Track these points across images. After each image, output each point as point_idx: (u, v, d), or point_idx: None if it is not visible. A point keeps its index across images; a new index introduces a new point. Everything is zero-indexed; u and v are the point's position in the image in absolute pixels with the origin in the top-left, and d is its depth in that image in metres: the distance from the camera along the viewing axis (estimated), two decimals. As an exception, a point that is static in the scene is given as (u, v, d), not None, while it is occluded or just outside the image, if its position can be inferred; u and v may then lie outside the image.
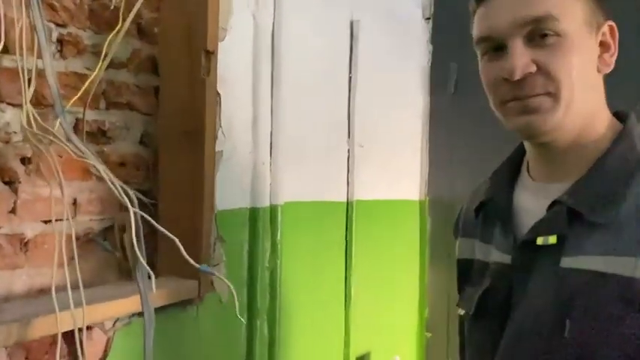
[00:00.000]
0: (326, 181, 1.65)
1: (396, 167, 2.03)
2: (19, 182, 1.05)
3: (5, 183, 1.03)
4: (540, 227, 0.73)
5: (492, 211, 0.81)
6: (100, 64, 1.05)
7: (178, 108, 1.18)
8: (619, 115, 0.77)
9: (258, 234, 1.36)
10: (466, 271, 0.87)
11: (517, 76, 0.70)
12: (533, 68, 0.70)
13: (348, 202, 1.73)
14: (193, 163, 1.16)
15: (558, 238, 0.71)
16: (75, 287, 1.05)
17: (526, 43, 0.71)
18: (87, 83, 1.04)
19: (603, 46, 0.74)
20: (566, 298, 0.69)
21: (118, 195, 0.89)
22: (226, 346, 1.32)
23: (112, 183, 0.88)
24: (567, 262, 0.70)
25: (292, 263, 1.48)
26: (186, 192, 1.18)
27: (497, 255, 0.79)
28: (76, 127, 1.12)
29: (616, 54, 0.74)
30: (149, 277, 0.85)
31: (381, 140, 1.90)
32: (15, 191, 1.04)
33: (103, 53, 1.07)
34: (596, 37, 0.73)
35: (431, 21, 2.25)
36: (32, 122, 0.92)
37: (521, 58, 0.70)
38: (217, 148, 1.24)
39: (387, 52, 1.97)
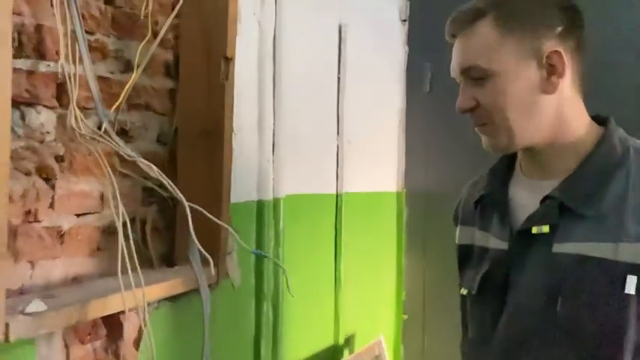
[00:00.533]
0: (319, 175, 1.78)
1: (378, 161, 2.18)
2: (56, 179, 1.13)
3: (44, 179, 1.11)
4: (535, 218, 0.86)
5: (490, 204, 0.95)
6: (135, 73, 1.14)
7: (197, 109, 1.28)
8: (598, 119, 0.90)
9: (264, 224, 1.48)
10: (466, 256, 1.00)
11: (460, 112, 0.88)
12: (473, 104, 0.87)
13: (337, 195, 1.87)
14: (212, 160, 1.27)
15: (550, 228, 0.84)
16: (107, 275, 1.16)
17: (471, 84, 0.87)
18: (125, 89, 1.13)
19: (549, 69, 0.84)
20: (557, 278, 0.82)
21: (171, 190, 0.99)
22: (238, 325, 1.44)
23: (169, 184, 0.99)
24: (557, 247, 0.83)
25: (292, 251, 1.61)
26: (205, 187, 1.28)
27: (495, 242, 0.92)
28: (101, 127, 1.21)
29: (565, 74, 0.85)
30: (205, 262, 0.96)
31: (365, 136, 2.04)
32: (52, 187, 1.12)
33: (136, 61, 1.16)
34: (538, 64, 0.84)
35: (407, 23, 2.41)
36: (79, 124, 1.01)
37: (463, 97, 0.87)
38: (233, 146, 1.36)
39: (371, 53, 2.11)
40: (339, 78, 1.87)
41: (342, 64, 1.87)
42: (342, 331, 1.90)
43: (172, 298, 1.20)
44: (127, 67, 1.26)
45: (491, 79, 0.85)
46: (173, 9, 1.31)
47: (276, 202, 1.52)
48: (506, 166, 0.96)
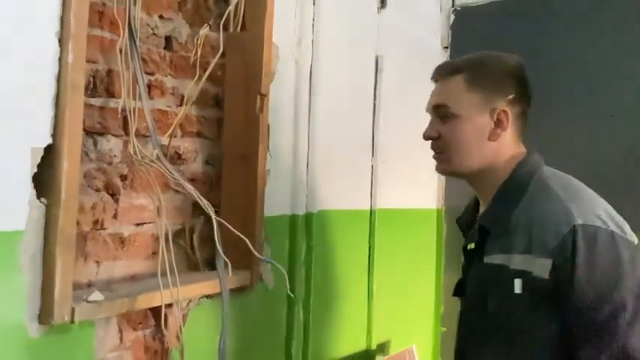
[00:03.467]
0: (353, 192, 1.96)
1: (415, 180, 2.32)
2: (119, 194, 1.38)
3: (110, 194, 1.36)
4: (468, 238, 1.14)
5: (460, 227, 1.21)
6: (185, 107, 1.38)
7: (237, 136, 1.50)
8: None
9: (296, 236, 1.68)
10: None
11: (424, 139, 1.13)
12: (436, 135, 1.10)
13: (371, 211, 2.04)
14: (248, 180, 1.48)
15: (477, 245, 1.08)
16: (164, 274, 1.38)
17: (438, 120, 1.10)
18: (175, 121, 1.36)
19: (497, 123, 1.08)
20: (485, 284, 1.05)
21: (195, 204, 1.20)
22: (271, 326, 1.64)
23: (199, 198, 1.21)
24: (486, 259, 1.06)
25: (324, 261, 1.79)
26: (242, 202, 1.50)
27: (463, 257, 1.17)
28: (162, 152, 1.45)
29: (508, 129, 1.08)
30: (226, 266, 1.17)
31: (401, 156, 2.19)
32: (116, 201, 1.37)
33: (186, 97, 1.39)
34: (490, 116, 1.08)
35: (448, 50, 2.55)
36: (137, 150, 1.25)
37: (430, 128, 1.13)
38: (266, 168, 1.56)
39: (409, 80, 2.26)
40: (374, 105, 2.04)
41: (378, 92, 2.04)
42: (374, 337, 2.05)
43: (211, 297, 1.41)
44: (182, 102, 1.50)
45: (453, 119, 1.07)
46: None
47: (308, 216, 1.71)
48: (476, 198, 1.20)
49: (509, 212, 1.03)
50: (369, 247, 2.03)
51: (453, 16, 2.54)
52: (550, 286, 0.95)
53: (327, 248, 1.82)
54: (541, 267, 0.95)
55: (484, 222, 1.08)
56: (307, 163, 1.72)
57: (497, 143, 1.08)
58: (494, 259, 1.03)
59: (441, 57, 2.51)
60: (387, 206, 2.09)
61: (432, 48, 2.47)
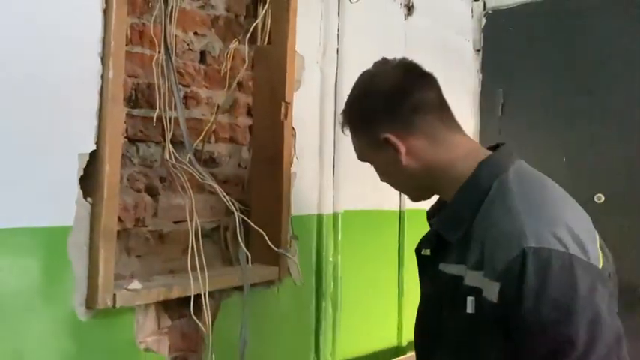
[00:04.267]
0: (381, 193, 2.03)
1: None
2: (159, 195, 1.52)
3: (150, 195, 1.51)
4: (422, 243, 1.05)
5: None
6: (215, 115, 1.51)
7: (265, 141, 1.62)
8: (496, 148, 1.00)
9: (323, 234, 1.78)
10: None
11: None
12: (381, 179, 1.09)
13: (400, 211, 2.11)
14: (275, 181, 1.60)
15: (431, 251, 1.00)
16: (194, 269, 1.52)
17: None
18: (206, 128, 1.49)
19: (394, 149, 0.98)
20: (440, 291, 0.96)
21: (226, 204, 1.33)
22: (299, 320, 1.75)
23: (223, 196, 1.33)
24: (441, 266, 0.96)
25: (351, 258, 1.88)
26: (270, 202, 1.61)
27: None
28: (196, 156, 1.59)
29: (405, 149, 0.97)
30: (247, 259, 1.29)
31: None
32: (156, 201, 1.52)
33: (216, 105, 1.52)
34: (383, 149, 0.99)
35: (480, 52, 2.59)
36: (171, 155, 1.39)
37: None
38: (292, 170, 1.68)
39: (442, 82, 2.32)
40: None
41: (406, 96, 2.11)
42: (405, 334, 2.12)
43: (240, 289, 1.54)
44: (218, 110, 1.64)
45: (371, 164, 1.06)
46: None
47: (335, 216, 1.81)
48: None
49: (467, 218, 0.92)
50: (399, 246, 2.11)
51: (484, 20, 2.58)
52: (499, 310, 0.83)
53: (356, 247, 1.91)
54: (490, 289, 0.84)
55: (439, 227, 0.98)
56: (333, 166, 1.82)
57: (415, 161, 0.98)
58: (450, 268, 0.94)
59: (473, 60, 2.56)
60: (416, 207, 2.15)
61: (464, 51, 2.52)
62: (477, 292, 0.87)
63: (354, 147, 1.07)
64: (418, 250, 1.05)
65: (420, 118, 0.98)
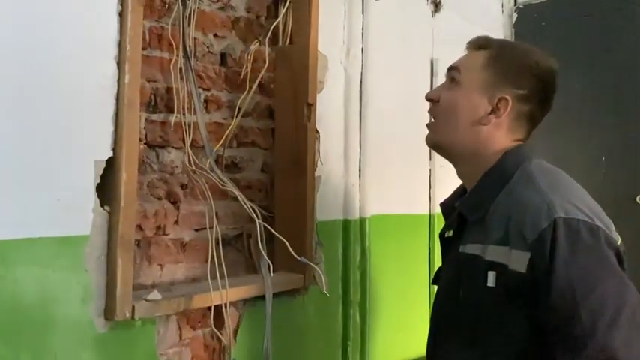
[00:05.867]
0: (410, 197, 1.96)
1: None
2: (180, 202, 1.48)
3: (171, 202, 1.47)
4: (447, 226, 1.10)
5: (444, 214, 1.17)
6: (235, 119, 1.47)
7: (288, 145, 1.57)
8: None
9: (350, 240, 1.71)
10: None
11: (426, 99, 1.12)
12: (437, 98, 1.09)
13: (430, 215, 2.03)
14: (299, 186, 1.54)
15: (454, 233, 1.04)
16: (215, 278, 1.47)
17: (447, 84, 1.08)
18: (227, 132, 1.45)
19: (493, 109, 1.02)
20: (459, 272, 1.00)
21: (247, 210, 1.28)
22: (326, 328, 1.69)
23: (244, 202, 1.28)
24: (462, 248, 1.02)
25: (380, 265, 1.81)
26: (294, 207, 1.56)
27: None
28: (218, 162, 1.54)
29: (502, 119, 1.02)
30: (269, 268, 1.23)
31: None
32: (177, 208, 1.48)
33: (237, 108, 1.48)
34: (490, 100, 1.03)
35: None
36: (191, 161, 1.35)
37: (434, 90, 1.13)
38: (317, 174, 1.62)
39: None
40: (430, 108, 2.03)
41: (434, 96, 2.04)
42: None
43: (264, 298, 1.48)
44: (240, 114, 1.59)
45: (456, 86, 1.05)
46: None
47: (362, 221, 1.75)
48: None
49: (489, 200, 0.99)
50: (429, 252, 2.03)
51: (515, 15, 2.48)
52: (527, 281, 0.89)
53: (384, 253, 1.84)
54: (518, 260, 0.89)
55: (462, 208, 1.03)
56: (359, 170, 1.76)
57: (488, 131, 1.03)
58: (469, 248, 1.00)
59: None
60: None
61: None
62: (499, 266, 0.92)
63: (461, 62, 1.07)
64: (442, 234, 1.11)
65: (536, 116, 1.05)
